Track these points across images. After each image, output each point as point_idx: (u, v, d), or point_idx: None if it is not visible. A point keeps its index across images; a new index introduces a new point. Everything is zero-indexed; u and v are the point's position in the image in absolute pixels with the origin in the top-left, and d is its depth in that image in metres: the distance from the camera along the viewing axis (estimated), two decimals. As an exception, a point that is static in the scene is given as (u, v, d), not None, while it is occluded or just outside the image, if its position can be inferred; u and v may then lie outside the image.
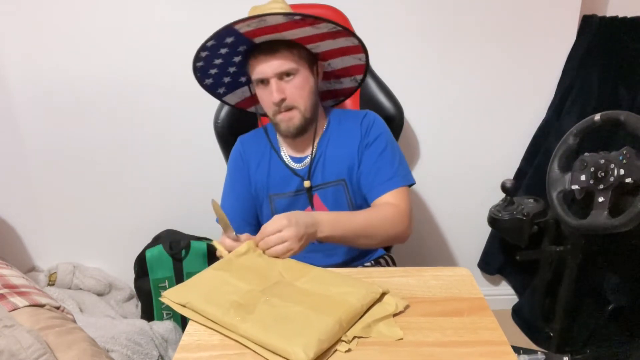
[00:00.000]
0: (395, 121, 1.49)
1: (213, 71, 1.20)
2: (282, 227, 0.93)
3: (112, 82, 1.68)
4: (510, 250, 1.79)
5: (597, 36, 1.63)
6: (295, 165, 1.24)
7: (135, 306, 1.88)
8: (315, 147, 1.22)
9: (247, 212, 1.28)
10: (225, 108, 1.46)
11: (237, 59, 1.19)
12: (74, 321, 1.03)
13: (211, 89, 1.26)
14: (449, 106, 1.75)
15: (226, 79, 1.24)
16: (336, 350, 0.71)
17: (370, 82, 1.50)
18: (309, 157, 1.22)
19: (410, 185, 1.20)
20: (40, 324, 0.93)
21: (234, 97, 1.32)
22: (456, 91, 1.73)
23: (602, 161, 1.30)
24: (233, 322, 0.74)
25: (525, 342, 1.83)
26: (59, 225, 1.88)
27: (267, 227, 0.94)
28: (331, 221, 1.03)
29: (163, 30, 1.63)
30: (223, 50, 1.15)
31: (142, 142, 1.77)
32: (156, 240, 1.79)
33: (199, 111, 1.67)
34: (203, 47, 1.12)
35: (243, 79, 1.26)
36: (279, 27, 1.07)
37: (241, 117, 1.48)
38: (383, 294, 0.83)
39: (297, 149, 1.25)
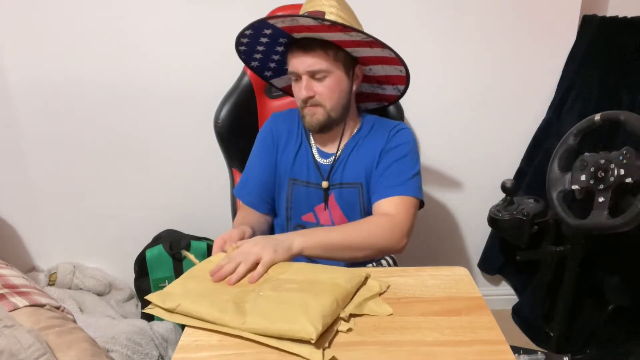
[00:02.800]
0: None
1: (257, 56, 1.25)
2: (241, 245, 0.94)
3: (113, 82, 1.68)
4: (510, 250, 1.79)
5: (597, 36, 1.63)
6: (321, 159, 1.25)
7: (135, 306, 1.88)
8: (341, 147, 1.24)
9: (267, 191, 1.28)
10: (226, 108, 1.46)
11: (279, 48, 1.22)
12: (74, 321, 1.03)
13: (258, 72, 1.32)
14: (449, 106, 1.75)
15: (271, 65, 1.29)
16: (338, 331, 0.75)
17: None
18: (335, 157, 1.24)
19: (419, 202, 1.17)
20: (40, 324, 0.93)
21: (280, 81, 1.36)
22: (456, 91, 1.73)
23: (602, 161, 1.30)
24: (234, 318, 0.74)
25: (525, 342, 1.82)
26: (59, 225, 1.88)
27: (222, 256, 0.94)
28: (305, 233, 1.02)
29: (164, 30, 1.63)
30: (263, 40, 1.19)
31: (143, 142, 1.77)
32: (156, 240, 1.79)
33: (199, 111, 1.68)
34: (242, 34, 1.17)
35: (287, 67, 1.27)
36: (312, 27, 1.08)
37: (241, 117, 1.48)
38: (366, 278, 0.88)
39: (324, 145, 1.26)
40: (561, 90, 1.71)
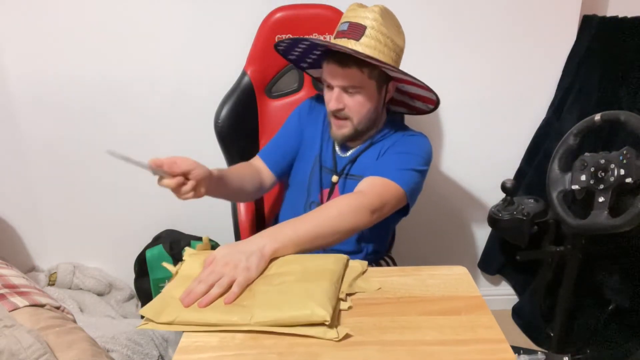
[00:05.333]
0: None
1: (295, 53, 1.28)
2: (212, 270, 0.84)
3: (113, 82, 1.68)
4: (510, 250, 1.79)
5: (597, 36, 1.63)
6: (340, 153, 1.28)
7: (135, 306, 1.88)
8: (362, 145, 1.26)
9: (285, 158, 1.34)
10: (226, 108, 1.47)
11: (317, 52, 1.25)
12: (74, 321, 1.03)
13: (295, 62, 1.34)
14: (449, 106, 1.75)
15: (309, 59, 1.31)
16: (340, 309, 0.79)
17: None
18: (353, 151, 1.27)
19: (402, 196, 1.13)
20: (40, 323, 0.92)
21: (315, 72, 1.38)
22: (456, 91, 1.73)
23: (602, 161, 1.30)
24: (244, 316, 0.74)
25: (525, 342, 1.82)
26: (59, 225, 1.88)
27: (200, 277, 0.84)
28: (272, 234, 0.95)
29: (164, 30, 1.63)
30: (303, 45, 1.23)
31: (143, 141, 1.77)
32: (156, 240, 1.79)
33: (199, 111, 1.68)
34: (278, 43, 1.23)
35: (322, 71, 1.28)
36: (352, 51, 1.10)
37: (241, 117, 1.49)
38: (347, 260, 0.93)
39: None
40: (561, 90, 1.71)
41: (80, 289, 1.83)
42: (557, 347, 1.66)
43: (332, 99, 1.15)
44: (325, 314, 0.72)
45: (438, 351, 0.70)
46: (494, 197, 1.70)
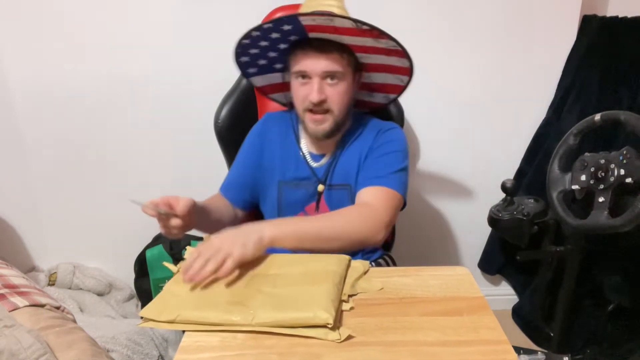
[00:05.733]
0: (395, 121, 1.49)
1: (254, 51, 1.18)
2: (205, 248, 0.87)
3: (112, 82, 1.68)
4: (510, 250, 1.79)
5: (597, 36, 1.63)
6: (313, 162, 1.23)
7: (135, 306, 1.88)
8: (333, 150, 1.22)
9: (245, 190, 1.27)
10: (226, 108, 1.46)
11: (283, 46, 1.16)
12: (74, 321, 1.03)
13: (244, 67, 1.24)
14: (449, 106, 1.75)
15: (262, 62, 1.22)
16: (342, 310, 0.79)
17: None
18: (327, 157, 1.22)
19: (402, 202, 1.14)
20: (40, 323, 0.92)
21: (261, 80, 1.30)
22: (456, 91, 1.73)
23: (602, 161, 1.30)
24: (245, 316, 0.74)
25: (525, 342, 1.83)
26: (59, 225, 1.88)
27: (189, 257, 0.87)
28: (275, 222, 0.99)
29: (164, 31, 1.63)
30: (274, 35, 1.12)
31: (143, 141, 1.77)
32: (156, 240, 1.79)
33: (199, 111, 1.67)
34: (258, 28, 1.09)
35: (278, 66, 1.23)
36: (340, 29, 1.05)
37: (241, 117, 1.48)
38: (349, 261, 0.93)
39: (317, 147, 1.23)
40: (561, 90, 1.71)
41: (80, 289, 1.82)
42: (557, 347, 1.66)
43: (314, 90, 1.08)
44: (328, 317, 0.72)
45: (440, 352, 0.70)
46: (494, 197, 1.70)
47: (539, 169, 1.69)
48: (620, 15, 1.62)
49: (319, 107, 1.11)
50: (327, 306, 0.74)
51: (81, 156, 1.78)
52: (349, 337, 0.73)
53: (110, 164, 1.80)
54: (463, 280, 0.89)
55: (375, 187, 1.11)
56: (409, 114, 1.61)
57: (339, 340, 0.72)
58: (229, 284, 0.84)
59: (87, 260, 1.92)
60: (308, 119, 1.14)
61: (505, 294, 2.02)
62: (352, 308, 0.81)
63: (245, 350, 0.72)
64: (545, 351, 1.68)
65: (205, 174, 1.79)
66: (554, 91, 1.73)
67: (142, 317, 0.79)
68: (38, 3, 1.58)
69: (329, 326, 0.72)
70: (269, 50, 1.18)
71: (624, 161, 1.26)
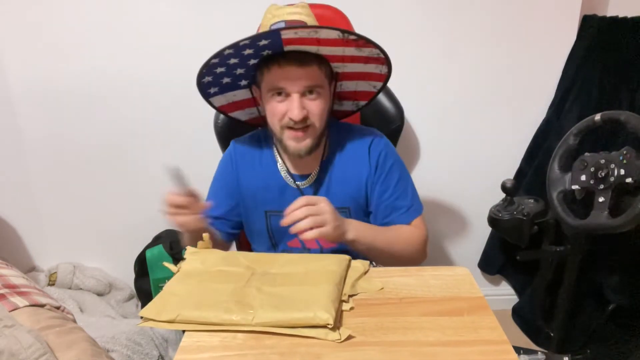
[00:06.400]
0: (395, 121, 1.49)
1: (220, 70, 1.07)
2: (319, 201, 0.96)
3: (112, 81, 1.68)
4: (510, 250, 1.79)
5: (597, 36, 1.63)
6: (294, 182, 1.16)
7: (135, 306, 1.88)
8: (318, 168, 1.15)
9: (225, 225, 1.21)
10: (226, 108, 1.46)
11: (254, 61, 1.06)
12: (74, 321, 1.03)
13: (204, 87, 1.12)
14: (449, 106, 1.75)
15: (226, 79, 1.12)
16: (342, 310, 0.80)
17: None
18: (312, 177, 1.15)
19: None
20: (40, 323, 0.92)
21: (221, 99, 1.19)
22: (456, 91, 1.73)
23: (603, 161, 1.30)
24: (242, 317, 0.74)
25: (525, 342, 1.83)
26: (59, 225, 1.88)
27: (302, 199, 0.95)
28: (359, 225, 1.05)
29: (164, 28, 1.63)
30: (248, 51, 1.02)
31: (143, 141, 1.77)
32: (156, 240, 1.79)
33: (199, 111, 1.67)
34: (234, 46, 0.98)
35: (243, 82, 1.14)
36: (322, 41, 0.99)
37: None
38: (349, 261, 0.94)
39: (297, 166, 1.16)
40: (561, 90, 1.71)
41: (80, 289, 1.83)
42: (557, 347, 1.66)
43: (295, 107, 1.00)
44: (328, 317, 0.72)
45: (440, 352, 0.70)
46: (494, 197, 1.70)
47: (539, 169, 1.69)
48: (620, 15, 1.62)
49: (301, 124, 1.04)
50: (327, 306, 0.74)
51: (81, 156, 1.78)
52: (349, 337, 0.73)
53: (110, 164, 1.80)
54: (463, 280, 0.89)
55: (413, 220, 1.15)
56: (409, 114, 1.61)
57: (339, 341, 0.72)
58: (229, 283, 0.84)
59: (87, 260, 1.92)
60: (287, 137, 1.06)
61: (505, 294, 2.02)
62: (352, 308, 0.81)
63: (245, 350, 0.72)
64: (545, 351, 1.68)
65: (205, 174, 1.78)
66: (554, 91, 1.73)
67: (142, 317, 0.79)
68: (38, 3, 1.58)
69: (329, 326, 0.73)
70: (237, 67, 1.08)
71: (624, 161, 1.26)
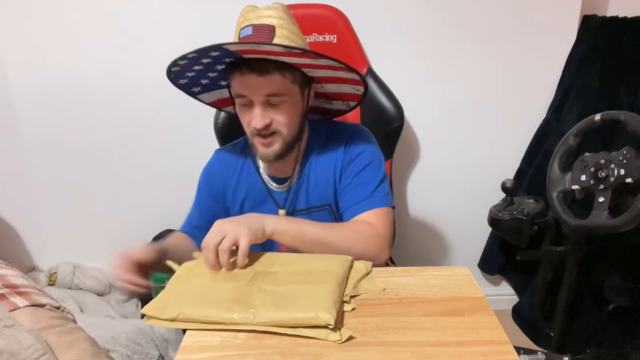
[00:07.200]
0: (395, 121, 1.49)
1: (190, 74, 1.09)
2: (217, 226, 0.89)
3: (112, 81, 1.68)
4: (510, 250, 1.79)
5: (597, 36, 1.63)
6: (276, 186, 1.16)
7: (135, 306, 1.87)
8: (297, 169, 1.14)
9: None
10: (226, 108, 1.46)
11: (219, 67, 1.06)
12: (75, 321, 1.03)
13: (185, 88, 1.15)
14: (449, 106, 1.75)
15: (203, 81, 1.13)
16: (344, 311, 0.79)
17: (370, 82, 1.50)
18: (291, 179, 1.15)
19: (392, 212, 1.10)
20: (40, 323, 0.92)
21: (209, 96, 1.21)
22: (456, 91, 1.73)
23: (603, 161, 1.30)
24: (243, 316, 0.75)
25: (526, 342, 1.83)
26: (59, 225, 1.88)
27: (205, 238, 0.89)
28: (279, 217, 0.99)
29: (164, 30, 1.63)
30: (205, 60, 1.03)
31: (143, 141, 1.77)
32: (156, 240, 1.79)
33: (199, 111, 1.67)
34: (183, 57, 1.01)
35: (223, 83, 1.14)
36: (272, 53, 0.97)
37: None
38: (352, 262, 0.93)
39: (277, 170, 1.16)
40: (561, 91, 1.71)
41: (80, 289, 1.82)
42: (557, 347, 1.66)
43: (256, 116, 1.01)
44: (329, 318, 0.72)
45: (441, 352, 0.70)
46: (494, 197, 1.70)
47: (539, 169, 1.69)
48: (620, 15, 1.62)
49: (265, 131, 1.03)
50: (328, 307, 0.74)
51: (81, 156, 1.78)
52: (350, 338, 0.73)
53: (110, 164, 1.80)
54: (464, 280, 0.89)
55: (366, 212, 1.06)
56: (409, 114, 1.61)
57: (340, 342, 0.72)
58: (231, 282, 0.84)
59: (87, 260, 1.92)
60: (257, 142, 1.07)
61: (505, 294, 2.02)
62: (353, 309, 0.80)
63: (246, 350, 0.72)
64: (545, 351, 1.68)
65: (205, 173, 1.79)
66: (554, 91, 1.73)
67: (143, 315, 0.79)
68: (38, 3, 1.58)
69: (330, 327, 0.72)
70: (206, 72, 1.09)
71: (624, 161, 1.26)
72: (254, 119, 1.02)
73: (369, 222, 1.05)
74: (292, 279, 0.84)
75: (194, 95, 1.19)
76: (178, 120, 1.73)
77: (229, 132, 1.46)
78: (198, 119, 1.68)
